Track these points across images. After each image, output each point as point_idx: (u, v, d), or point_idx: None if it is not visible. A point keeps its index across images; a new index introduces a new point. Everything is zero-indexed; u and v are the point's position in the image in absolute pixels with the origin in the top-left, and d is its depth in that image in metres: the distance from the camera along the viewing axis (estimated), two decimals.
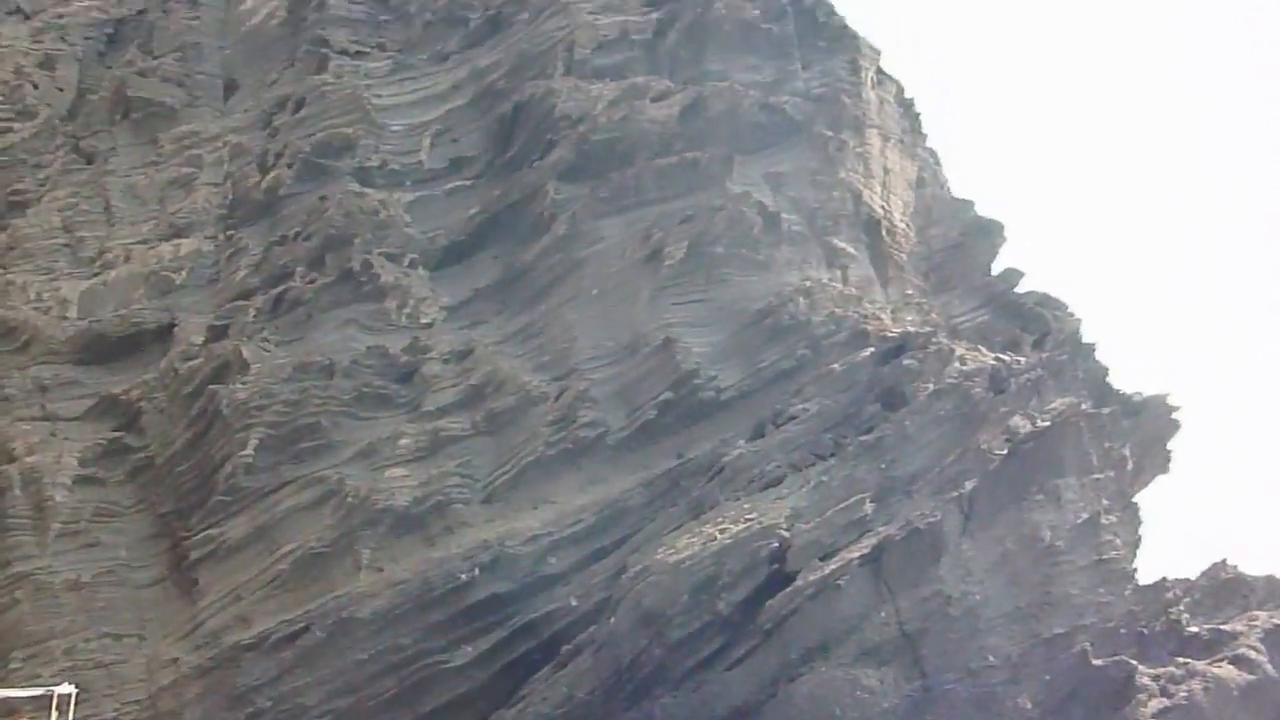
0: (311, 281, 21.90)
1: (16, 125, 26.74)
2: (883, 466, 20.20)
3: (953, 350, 21.81)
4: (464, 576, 19.27)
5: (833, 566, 18.88)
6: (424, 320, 22.08)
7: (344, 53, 25.12)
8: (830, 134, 24.47)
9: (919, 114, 28.92)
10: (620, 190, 22.73)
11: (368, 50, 25.60)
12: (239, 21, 28.20)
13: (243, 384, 20.65)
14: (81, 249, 24.11)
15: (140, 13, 29.18)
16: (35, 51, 28.49)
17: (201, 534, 20.41)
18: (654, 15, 24.81)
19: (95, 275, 23.40)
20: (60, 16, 30.09)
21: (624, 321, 21.75)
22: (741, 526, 19.16)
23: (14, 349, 22.47)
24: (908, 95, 28.57)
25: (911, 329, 22.71)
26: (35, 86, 27.48)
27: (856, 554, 19.05)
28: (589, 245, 22.31)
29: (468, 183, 23.97)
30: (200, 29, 28.04)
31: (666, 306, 21.71)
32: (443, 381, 21.18)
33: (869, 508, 19.56)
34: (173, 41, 27.53)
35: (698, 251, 21.93)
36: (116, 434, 22.00)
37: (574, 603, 19.62)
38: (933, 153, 28.95)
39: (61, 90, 27.86)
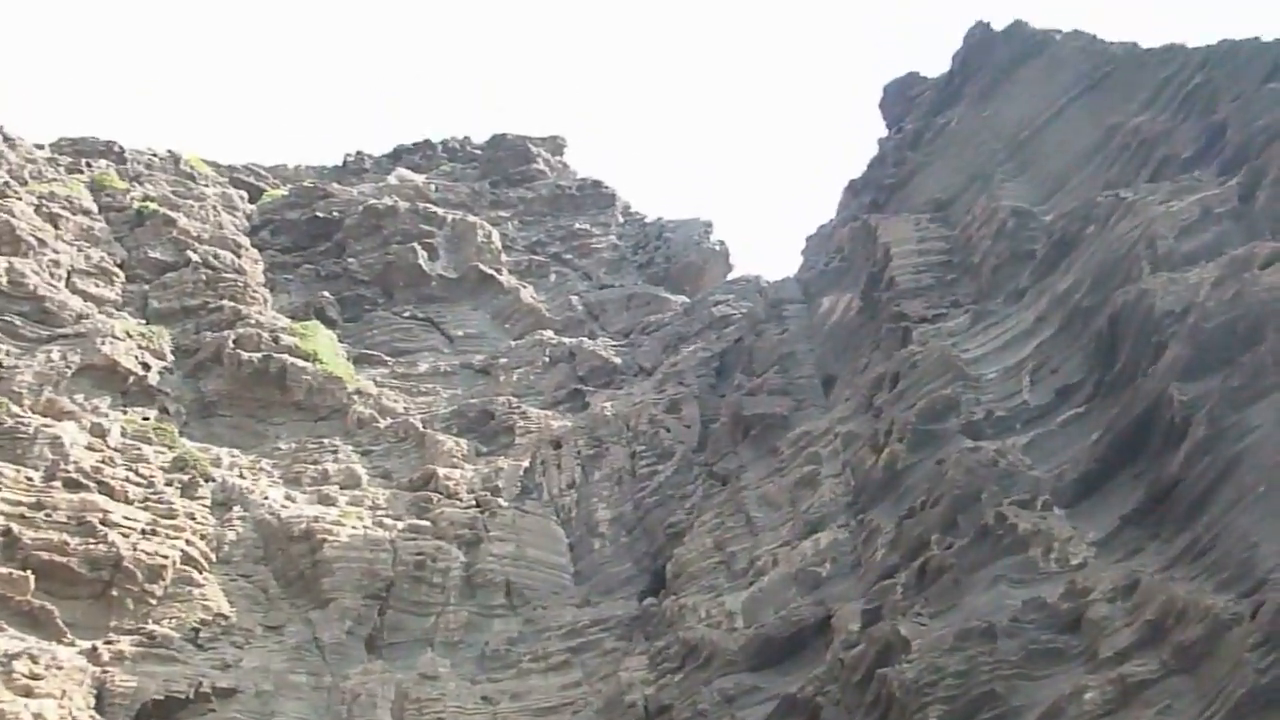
0: (949, 547, 21.68)
1: (660, 466, 30.31)
2: None
3: None
4: None
5: None
6: (1074, 561, 20.73)
7: (923, 320, 25.95)
8: None
9: None
10: (1256, 372, 20.42)
11: (944, 311, 26.24)
12: (821, 323, 30.40)
13: (908, 663, 20.46)
14: (734, 562, 26.12)
15: (738, 341, 32.51)
16: (661, 399, 32.54)
17: None
18: (1234, 181, 23.00)
19: (751, 584, 25.08)
20: (675, 365, 34.31)
21: None
22: None
23: (698, 666, 24.34)
24: None
25: None
26: (668, 430, 31.19)
27: None
28: (1238, 440, 20.01)
29: (1080, 410, 22.89)
30: (790, 340, 30.57)
31: None
32: (1114, 623, 19.43)
33: None
34: (770, 357, 30.20)
35: None
36: None
37: None
38: None
39: (688, 427, 31.35)
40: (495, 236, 43.74)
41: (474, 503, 30.56)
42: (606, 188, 49.64)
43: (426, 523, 29.57)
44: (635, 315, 40.64)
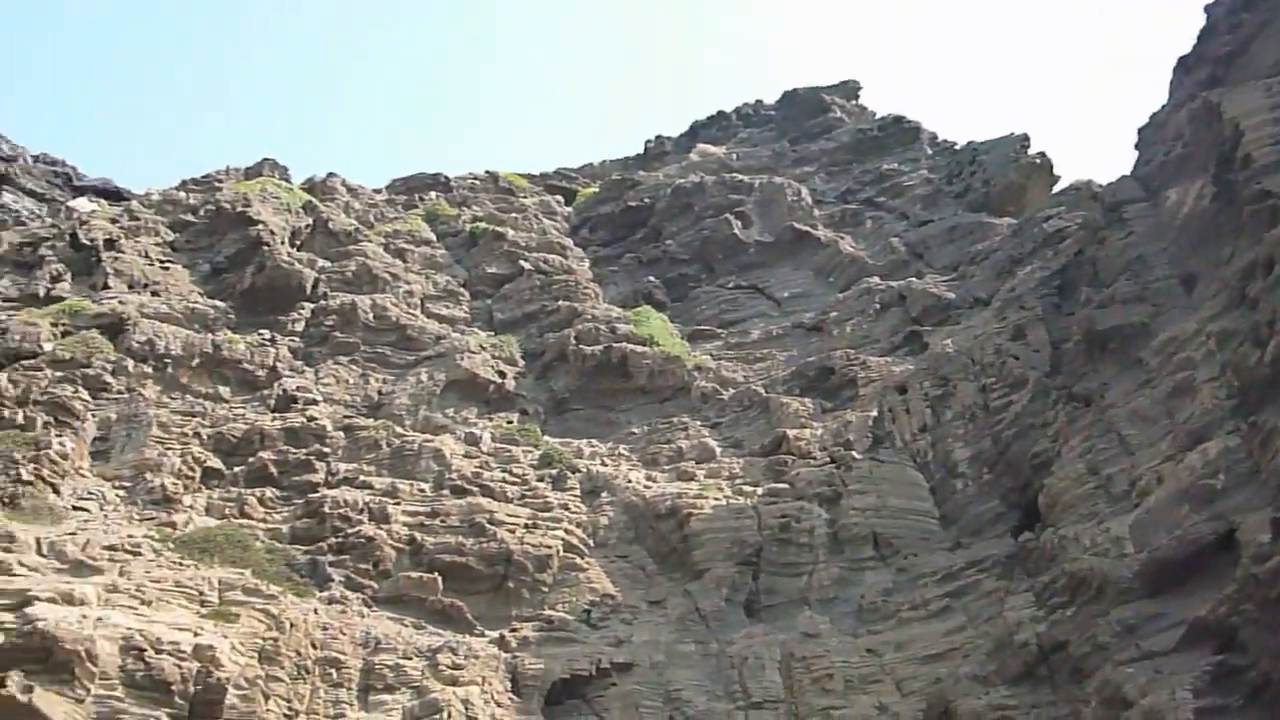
0: None
1: (1013, 397, 29.02)
2: None
3: None
4: None
5: None
6: None
7: None
8: None
9: None
10: None
11: None
12: (1170, 218, 28.00)
13: None
14: (1112, 485, 24.60)
15: (1078, 254, 30.57)
16: (1003, 328, 31.15)
17: None
18: None
19: (1135, 505, 23.53)
20: (1012, 290, 32.76)
21: None
22: None
23: (1090, 598, 23.13)
24: None
25: None
26: (1016, 358, 29.81)
27: None
28: None
29: None
30: (1137, 242, 28.39)
31: None
32: None
33: None
34: (1117, 265, 28.18)
35: None
36: (1218, 657, 20.96)
37: None
38: None
39: (1037, 351, 29.83)
40: (804, 193, 43.46)
41: (828, 459, 30.53)
42: (909, 122, 48.14)
43: (784, 485, 29.85)
44: (961, 247, 39.17)
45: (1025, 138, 44.02)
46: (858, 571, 28.27)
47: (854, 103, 52.18)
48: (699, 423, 33.74)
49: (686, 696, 25.26)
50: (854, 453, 30.47)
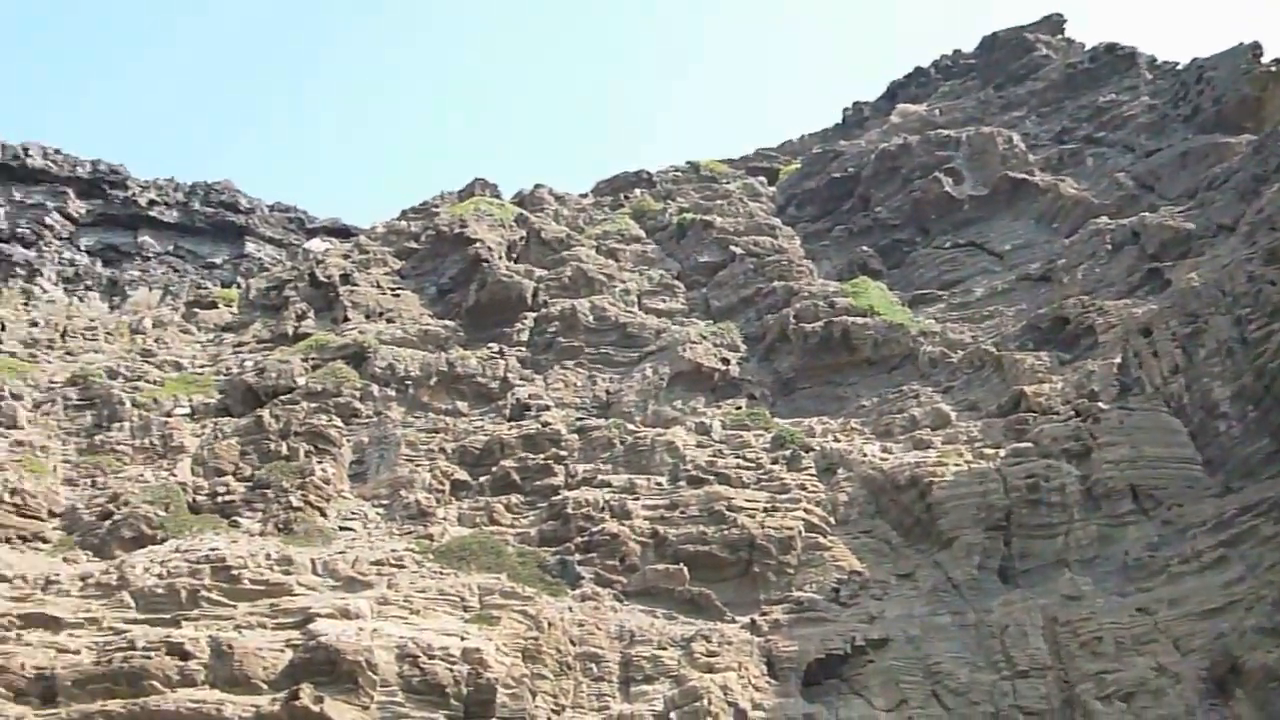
0: None
1: (1274, 325, 26.91)
2: None
3: None
4: None
5: None
6: None
7: None
8: None
9: None
10: None
11: None
12: None
13: None
14: None
15: None
16: (1254, 253, 28.95)
17: None
18: None
19: None
20: (1260, 212, 30.43)
21: None
22: None
23: None
24: None
25: None
26: (1273, 283, 27.63)
27: None
28: None
29: None
30: None
31: None
32: None
33: None
34: None
35: None
36: None
37: None
38: None
39: None
40: (1016, 139, 41.69)
41: (1073, 413, 29.11)
42: (1124, 48, 45.42)
43: (1028, 444, 28.66)
44: (1195, 173, 36.63)
45: (1256, 46, 40.71)
46: (1118, 527, 26.83)
47: (1059, 38, 49.62)
48: (930, 388, 32.86)
49: (947, 669, 24.63)
50: (1100, 403, 28.93)
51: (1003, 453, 28.74)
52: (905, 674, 24.71)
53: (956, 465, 28.59)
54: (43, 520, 27.95)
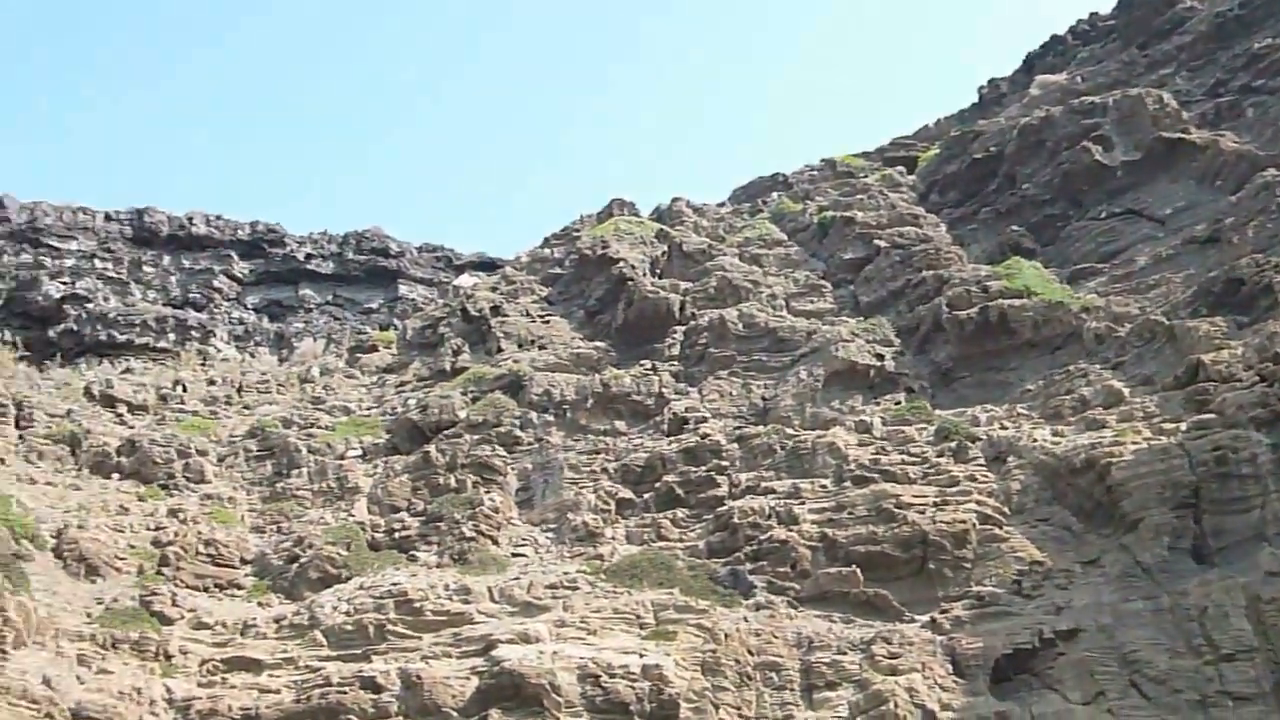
0: None
1: None
2: None
3: None
4: None
5: None
6: None
7: None
8: None
9: None
10: None
11: None
12: None
13: None
14: None
15: None
16: None
17: None
18: None
19: None
20: None
21: None
22: None
23: None
24: None
25: None
26: None
27: None
28: None
29: None
30: None
31: None
32: None
33: None
34: None
35: None
36: None
37: None
38: None
39: None
40: (1167, 98, 39.80)
41: (1257, 378, 27.46)
42: None
43: (1211, 415, 27.19)
44: None
45: None
46: None
47: None
48: (1098, 365, 31.55)
49: (1145, 657, 23.56)
50: None
51: (1184, 426, 27.38)
52: (1100, 665, 23.76)
53: (1135, 443, 27.37)
54: (235, 568, 29.34)
